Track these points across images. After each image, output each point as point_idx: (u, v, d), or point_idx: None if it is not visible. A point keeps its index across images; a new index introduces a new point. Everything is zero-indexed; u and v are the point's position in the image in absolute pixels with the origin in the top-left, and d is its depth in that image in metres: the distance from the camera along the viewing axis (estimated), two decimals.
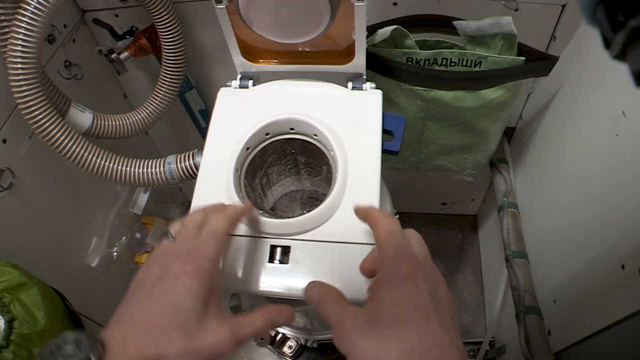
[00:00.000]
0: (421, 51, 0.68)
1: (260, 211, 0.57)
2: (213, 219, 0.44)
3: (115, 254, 0.92)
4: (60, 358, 0.34)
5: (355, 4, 0.54)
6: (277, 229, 0.53)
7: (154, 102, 0.80)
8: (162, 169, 0.73)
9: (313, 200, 0.77)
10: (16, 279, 0.56)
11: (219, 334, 0.38)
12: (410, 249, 0.42)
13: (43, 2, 0.58)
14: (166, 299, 0.38)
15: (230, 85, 0.66)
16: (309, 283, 0.44)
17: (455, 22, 0.67)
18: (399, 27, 0.66)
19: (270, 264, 0.52)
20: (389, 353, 0.33)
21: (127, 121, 0.79)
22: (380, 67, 0.70)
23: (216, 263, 0.41)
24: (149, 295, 0.38)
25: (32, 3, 0.58)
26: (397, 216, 0.81)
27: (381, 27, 0.67)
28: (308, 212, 0.54)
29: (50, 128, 0.64)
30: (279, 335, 0.93)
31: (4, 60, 0.60)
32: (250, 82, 0.65)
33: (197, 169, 0.72)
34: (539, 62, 0.68)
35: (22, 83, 0.60)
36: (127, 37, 0.82)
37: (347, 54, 0.62)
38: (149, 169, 0.73)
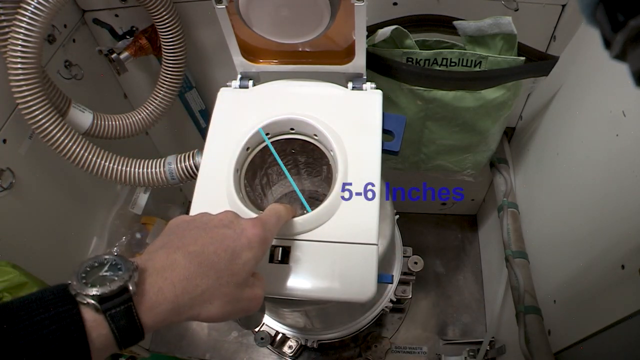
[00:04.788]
0: (421, 51, 0.68)
1: (260, 211, 0.57)
2: (274, 204, 0.49)
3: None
4: (97, 280, 0.33)
5: (355, 4, 0.54)
6: None
7: (154, 102, 0.80)
8: (162, 169, 0.73)
9: (313, 200, 0.77)
10: (16, 279, 0.56)
11: (256, 291, 0.42)
12: None
13: (43, 2, 0.58)
14: (226, 243, 0.40)
15: (230, 85, 0.66)
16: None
17: (455, 22, 0.67)
18: (399, 27, 0.66)
19: (270, 264, 0.52)
20: None
21: (127, 121, 0.79)
22: (380, 67, 0.70)
23: (271, 239, 0.45)
24: (208, 233, 0.41)
25: (32, 3, 0.58)
26: (397, 216, 0.81)
27: (381, 27, 0.67)
28: (308, 212, 0.54)
29: (50, 128, 0.64)
30: (279, 335, 0.93)
31: (4, 60, 0.60)
32: (250, 82, 0.65)
33: (197, 169, 0.72)
34: (539, 62, 0.68)
35: (22, 83, 0.60)
36: (127, 37, 0.82)
37: (347, 54, 0.62)
38: (149, 169, 0.73)
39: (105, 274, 0.34)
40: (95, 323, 0.32)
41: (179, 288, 0.36)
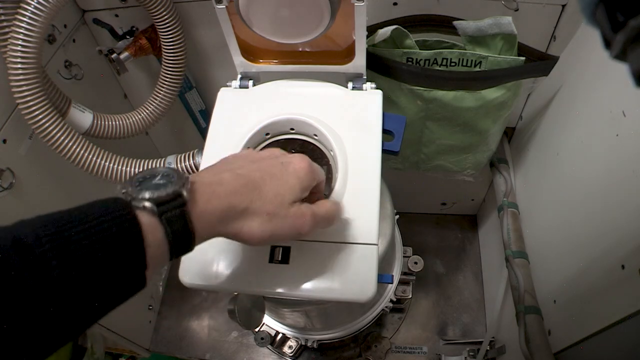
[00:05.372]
0: (421, 51, 0.68)
1: None
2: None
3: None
4: (151, 187, 0.34)
5: (356, 4, 0.54)
6: None
7: (154, 102, 0.80)
8: None
9: None
10: None
11: (304, 209, 0.43)
12: None
13: (43, 2, 0.58)
14: (273, 171, 0.42)
15: (230, 86, 0.66)
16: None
17: (455, 22, 0.67)
18: (399, 27, 0.66)
19: (270, 264, 0.52)
20: None
21: (127, 121, 0.79)
22: (380, 67, 0.70)
23: (318, 178, 0.46)
24: (255, 163, 0.43)
25: (32, 3, 0.58)
26: (397, 216, 0.81)
27: (381, 27, 0.67)
28: None
29: (50, 128, 0.64)
30: (279, 335, 0.93)
31: (4, 60, 0.60)
32: (251, 82, 0.65)
33: (197, 169, 0.72)
34: (539, 62, 0.68)
35: (22, 83, 0.60)
36: (127, 37, 0.82)
37: (347, 54, 0.62)
38: None
39: (159, 182, 0.35)
40: (151, 227, 0.32)
41: (224, 201, 0.37)
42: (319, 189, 0.49)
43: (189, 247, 0.36)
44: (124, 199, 0.33)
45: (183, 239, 0.34)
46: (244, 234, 0.39)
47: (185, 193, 0.35)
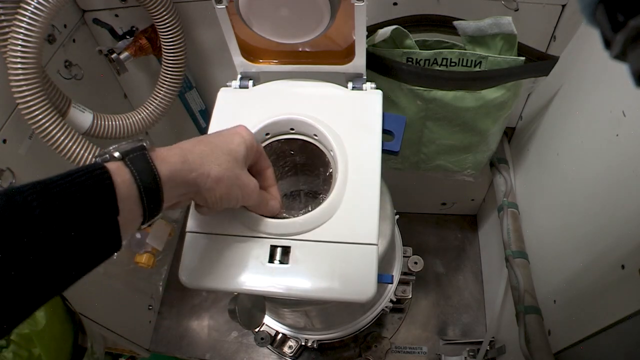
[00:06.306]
0: (421, 51, 0.68)
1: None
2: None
3: (115, 254, 0.92)
4: (120, 146, 0.40)
5: (355, 4, 0.54)
6: (277, 229, 0.53)
7: (154, 102, 0.80)
8: None
9: (313, 200, 0.77)
10: None
11: (252, 180, 0.50)
12: None
13: (43, 2, 0.58)
14: (222, 135, 0.49)
15: (230, 85, 0.66)
16: None
17: (455, 22, 0.67)
18: (399, 27, 0.66)
19: (270, 264, 0.52)
20: None
21: (127, 121, 0.79)
22: (380, 67, 0.70)
23: (256, 148, 0.53)
24: (207, 137, 0.49)
25: (32, 3, 0.58)
26: (397, 216, 0.81)
27: (381, 27, 0.67)
28: (308, 212, 0.54)
29: (50, 128, 0.64)
30: (279, 335, 0.93)
31: (4, 60, 0.60)
32: (251, 82, 0.65)
33: None
34: (539, 62, 0.68)
35: (22, 83, 0.60)
36: (127, 37, 0.82)
37: (347, 54, 0.62)
38: None
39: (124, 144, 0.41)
40: (118, 170, 0.38)
41: (185, 150, 0.44)
42: (264, 166, 0.56)
43: (158, 192, 0.40)
44: (95, 159, 0.39)
45: (149, 180, 0.39)
46: (213, 177, 0.44)
47: (146, 144, 0.41)
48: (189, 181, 0.43)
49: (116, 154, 0.39)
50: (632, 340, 0.50)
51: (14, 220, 0.31)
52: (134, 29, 0.82)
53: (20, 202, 0.31)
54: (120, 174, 0.37)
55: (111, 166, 0.37)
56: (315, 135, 0.61)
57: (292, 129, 0.61)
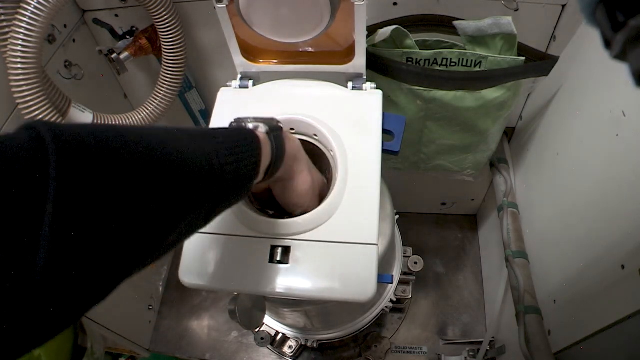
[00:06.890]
0: (421, 51, 0.68)
1: (260, 211, 0.57)
2: None
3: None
4: (258, 119, 0.49)
5: (356, 3, 0.54)
6: (277, 229, 0.53)
7: (154, 102, 0.80)
8: None
9: None
10: None
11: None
12: None
13: (43, 2, 0.58)
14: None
15: (230, 85, 0.66)
16: None
17: (455, 22, 0.67)
18: (399, 27, 0.66)
19: (271, 264, 0.52)
20: None
21: (127, 121, 0.79)
22: (380, 67, 0.70)
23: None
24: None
25: (32, 3, 0.58)
26: (397, 216, 0.81)
27: (381, 27, 0.67)
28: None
29: None
30: (279, 335, 0.93)
31: (4, 60, 0.60)
32: (251, 82, 0.65)
33: None
34: (539, 62, 0.68)
35: (22, 83, 0.60)
36: (127, 37, 0.82)
37: (347, 54, 0.62)
38: None
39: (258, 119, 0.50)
40: (265, 141, 0.46)
41: (299, 145, 0.54)
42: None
43: (280, 163, 0.49)
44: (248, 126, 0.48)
45: (279, 154, 0.48)
46: (303, 173, 0.53)
47: (282, 126, 0.51)
48: (298, 162, 0.52)
49: (262, 128, 0.47)
50: (632, 340, 0.50)
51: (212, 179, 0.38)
52: (134, 29, 0.82)
53: (217, 167, 0.38)
54: (265, 145, 0.46)
55: (261, 136, 0.46)
56: (315, 135, 0.61)
57: (292, 129, 0.61)
